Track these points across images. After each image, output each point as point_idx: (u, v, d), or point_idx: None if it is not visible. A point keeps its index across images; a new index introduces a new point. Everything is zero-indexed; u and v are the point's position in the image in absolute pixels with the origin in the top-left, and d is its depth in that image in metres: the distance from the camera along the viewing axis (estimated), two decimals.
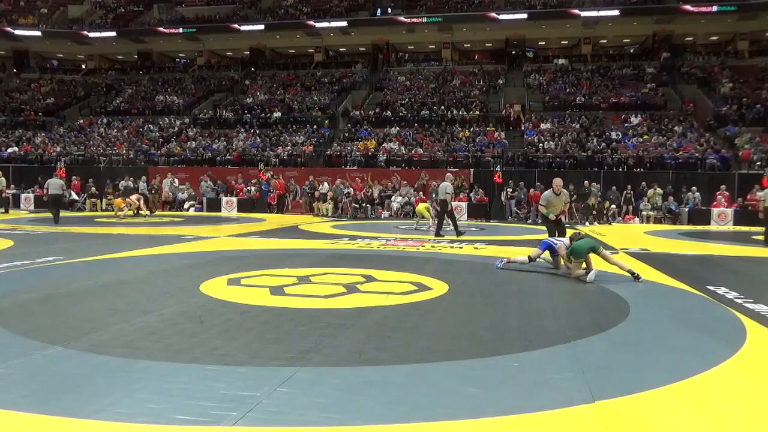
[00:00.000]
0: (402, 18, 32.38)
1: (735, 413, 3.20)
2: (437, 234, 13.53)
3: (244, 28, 34.21)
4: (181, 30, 34.95)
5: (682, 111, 26.95)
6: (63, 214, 19.78)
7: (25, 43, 37.64)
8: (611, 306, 5.87)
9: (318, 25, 33.17)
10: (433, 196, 17.96)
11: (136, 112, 32.64)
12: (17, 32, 35.74)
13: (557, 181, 9.64)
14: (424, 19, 32.17)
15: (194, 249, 10.42)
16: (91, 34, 35.88)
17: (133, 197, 19.56)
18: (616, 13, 30.33)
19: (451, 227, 14.02)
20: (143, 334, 4.53)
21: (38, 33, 36.21)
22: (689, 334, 4.87)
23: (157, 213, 20.44)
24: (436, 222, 14.08)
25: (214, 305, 5.64)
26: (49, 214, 15.86)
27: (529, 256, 8.40)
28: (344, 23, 33.12)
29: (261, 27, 34.36)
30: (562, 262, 8.25)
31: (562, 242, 8.32)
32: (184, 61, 40.77)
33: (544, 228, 10.48)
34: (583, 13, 30.59)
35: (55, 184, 15.96)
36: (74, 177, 23.81)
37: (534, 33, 33.92)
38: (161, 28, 35.11)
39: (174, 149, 27.22)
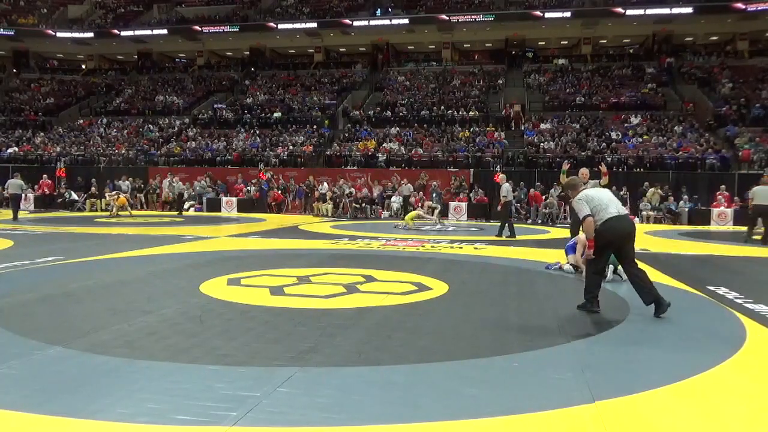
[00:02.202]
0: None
1: (735, 413, 3.20)
2: (499, 235, 13.30)
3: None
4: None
5: (682, 111, 26.93)
6: (62, 214, 19.97)
7: (25, 42, 37.63)
8: (611, 306, 5.86)
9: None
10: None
11: (136, 112, 32.62)
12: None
13: (583, 170, 9.42)
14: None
15: (194, 249, 10.42)
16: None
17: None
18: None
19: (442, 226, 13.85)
20: (143, 334, 4.53)
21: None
22: (689, 334, 4.87)
23: (157, 213, 20.43)
24: (500, 223, 13.73)
25: (214, 305, 5.64)
26: (40, 214, 16.40)
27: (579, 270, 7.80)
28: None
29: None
30: (579, 260, 7.72)
31: None
32: (184, 61, 40.76)
33: (544, 228, 10.43)
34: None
35: (14, 185, 17.18)
36: (45, 175, 23.90)
37: (534, 33, 33.89)
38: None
39: (174, 149, 27.22)
